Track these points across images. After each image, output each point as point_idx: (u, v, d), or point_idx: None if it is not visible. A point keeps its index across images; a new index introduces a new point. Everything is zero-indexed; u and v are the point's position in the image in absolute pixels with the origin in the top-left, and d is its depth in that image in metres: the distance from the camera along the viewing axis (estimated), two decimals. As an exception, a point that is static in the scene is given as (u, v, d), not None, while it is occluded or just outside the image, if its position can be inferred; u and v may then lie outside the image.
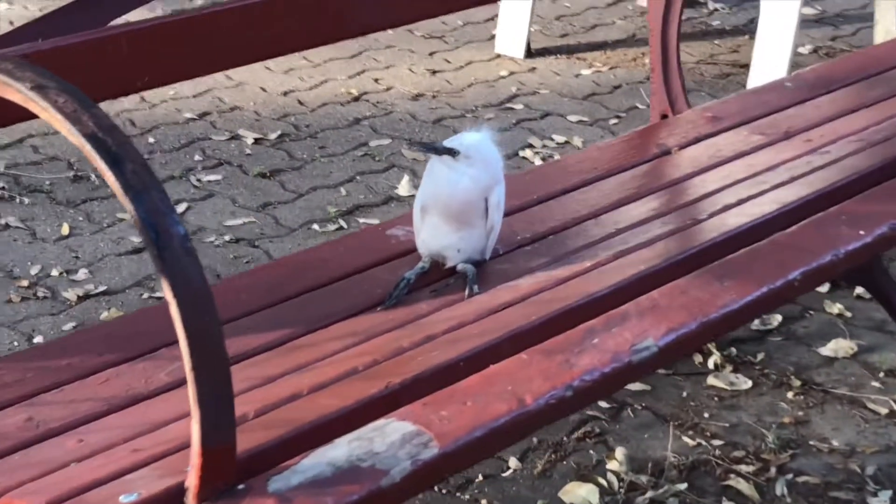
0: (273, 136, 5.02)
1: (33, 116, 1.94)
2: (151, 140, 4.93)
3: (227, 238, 4.22)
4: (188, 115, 5.17)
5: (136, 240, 4.18)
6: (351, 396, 2.12)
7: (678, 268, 2.54)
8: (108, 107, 5.10)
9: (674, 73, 3.47)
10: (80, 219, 4.31)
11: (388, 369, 2.21)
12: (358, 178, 4.71)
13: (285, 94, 5.45)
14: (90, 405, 2.17)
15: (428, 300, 2.51)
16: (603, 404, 3.48)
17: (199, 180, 4.61)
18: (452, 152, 2.52)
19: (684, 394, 3.55)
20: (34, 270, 3.97)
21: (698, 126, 3.36)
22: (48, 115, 1.84)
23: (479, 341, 2.29)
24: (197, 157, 4.79)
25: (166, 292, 1.74)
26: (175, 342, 2.23)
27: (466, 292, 2.52)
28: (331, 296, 2.53)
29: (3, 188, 4.46)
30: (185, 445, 1.87)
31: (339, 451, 1.94)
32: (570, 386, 2.13)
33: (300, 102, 5.36)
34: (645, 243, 2.68)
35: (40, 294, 3.85)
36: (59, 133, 4.89)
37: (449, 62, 5.89)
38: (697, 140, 3.28)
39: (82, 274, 3.97)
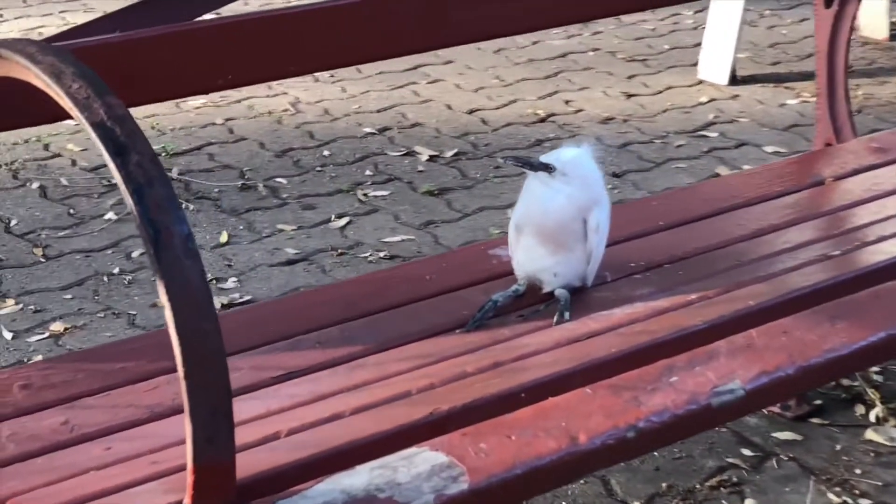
0: (449, 154, 4.90)
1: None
2: (326, 153, 4.87)
3: (382, 254, 4.12)
4: (368, 130, 5.10)
5: (291, 251, 4.11)
6: (391, 421, 1.97)
7: (790, 305, 2.30)
8: (291, 119, 5.10)
9: (840, 101, 3.22)
10: (241, 227, 4.27)
11: (440, 395, 2.05)
12: (528, 200, 4.53)
13: (470, 112, 5.33)
14: (131, 412, 2.08)
15: (513, 325, 2.34)
16: (746, 451, 3.24)
17: (365, 195, 4.53)
18: (548, 168, 2.35)
19: (838, 447, 3.28)
20: (184, 276, 3.92)
21: (860, 157, 3.10)
22: (62, 100, 1.75)
23: (546, 371, 2.11)
24: (368, 172, 4.71)
25: (161, 294, 1.62)
26: (237, 352, 2.16)
27: (555, 319, 2.35)
28: (413, 315, 2.39)
29: (170, 193, 4.44)
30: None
31: (359, 478, 1.80)
32: (633, 427, 1.94)
33: (483, 121, 5.24)
34: (762, 278, 2.45)
35: (185, 300, 3.79)
36: (238, 142, 4.93)
37: (647, 86, 5.68)
38: (856, 172, 3.02)
39: (231, 283, 3.92)
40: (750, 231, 2.72)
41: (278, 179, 4.61)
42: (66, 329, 3.63)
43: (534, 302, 2.44)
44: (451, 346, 2.26)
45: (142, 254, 4.07)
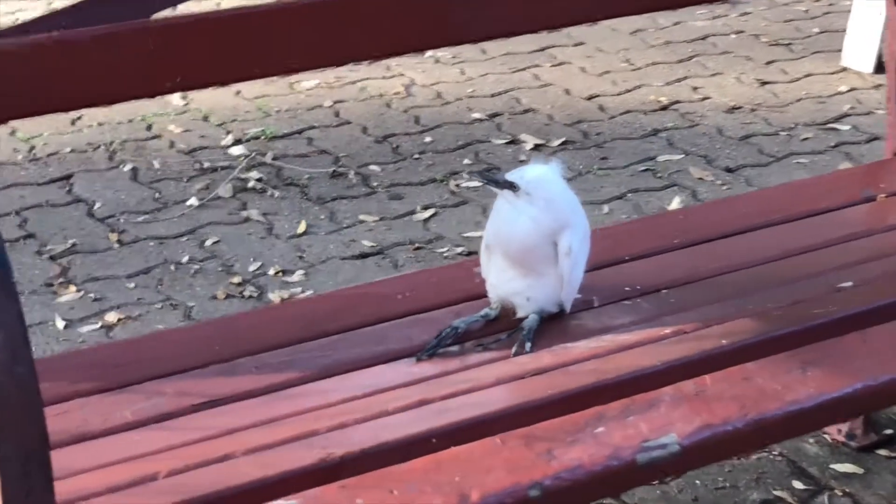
0: (556, 143, 4.72)
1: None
2: (428, 139, 4.73)
3: (458, 250, 3.97)
4: (476, 116, 4.94)
5: (368, 244, 4.00)
6: (280, 465, 1.83)
7: (766, 346, 2.08)
8: (400, 102, 4.95)
9: (913, 106, 2.93)
10: (322, 217, 4.17)
11: (344, 437, 1.90)
12: (629, 195, 4.34)
13: (589, 98, 5.13)
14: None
15: (469, 356, 2.18)
16: (798, 484, 3.00)
17: (457, 186, 4.38)
18: (513, 187, 2.17)
19: (901, 482, 3.02)
20: (253, 267, 3.86)
21: (927, 170, 2.83)
22: None
23: (468, 413, 1.95)
24: (467, 161, 4.56)
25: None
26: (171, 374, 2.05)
27: (514, 350, 2.18)
28: (371, 338, 2.25)
29: (259, 180, 4.38)
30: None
31: (208, 532, 1.66)
32: (537, 484, 1.77)
33: (601, 108, 5.03)
34: (756, 311, 2.23)
35: (247, 293, 3.72)
36: (340, 126, 4.82)
37: (785, 73, 5.38)
38: (915, 188, 2.75)
39: (297, 276, 3.83)
40: (772, 254, 2.49)
41: (372, 167, 4.49)
42: (119, 320, 3.59)
43: (508, 327, 2.27)
44: (392, 378, 2.11)
45: (215, 242, 4.01)
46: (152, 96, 2.22)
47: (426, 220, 4.15)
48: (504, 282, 2.28)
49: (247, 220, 4.15)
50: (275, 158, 4.56)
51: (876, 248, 2.46)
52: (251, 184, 4.36)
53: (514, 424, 1.90)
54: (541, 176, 2.19)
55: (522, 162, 4.56)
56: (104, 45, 2.11)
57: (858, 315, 2.17)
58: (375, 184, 4.40)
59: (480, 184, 2.30)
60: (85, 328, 3.56)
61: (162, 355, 2.18)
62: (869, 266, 2.38)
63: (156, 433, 1.97)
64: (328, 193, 4.35)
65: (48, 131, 4.77)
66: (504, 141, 4.73)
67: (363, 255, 3.96)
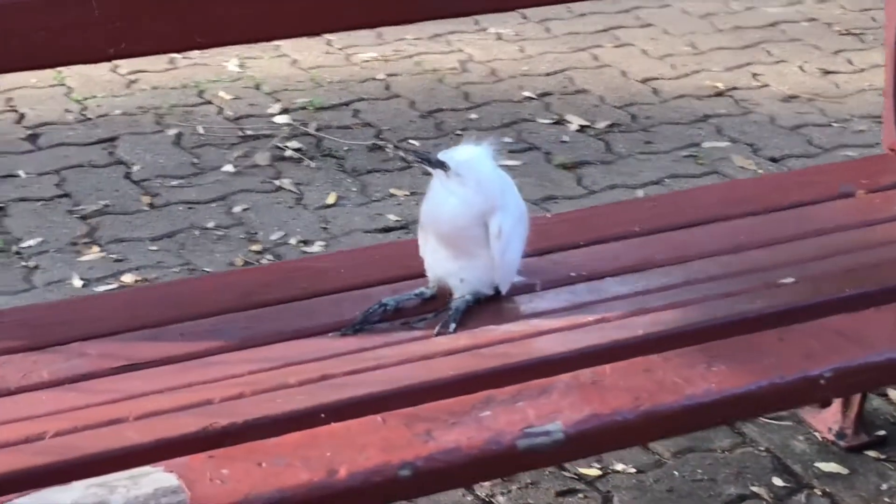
0: (602, 124, 4.69)
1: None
2: (473, 116, 4.73)
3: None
4: (527, 94, 4.93)
5: (393, 217, 4.02)
6: (161, 432, 1.86)
7: (679, 339, 2.07)
8: (453, 78, 4.95)
9: (910, 102, 2.87)
10: (354, 189, 4.20)
11: (237, 407, 1.93)
12: (667, 180, 4.30)
13: (644, 81, 5.08)
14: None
15: (392, 333, 2.20)
16: (778, 481, 2.97)
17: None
18: (444, 166, 2.17)
19: (885, 486, 2.96)
20: (275, 236, 3.90)
21: (913, 167, 2.77)
22: None
23: (364, 390, 1.96)
24: (507, 139, 4.55)
25: None
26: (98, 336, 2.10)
27: (436, 330, 2.19)
28: (302, 312, 2.27)
29: (298, 149, 4.42)
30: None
31: (69, 494, 1.71)
32: (409, 464, 1.78)
33: (654, 92, 4.98)
34: (686, 302, 2.21)
35: (264, 261, 3.77)
36: (389, 99, 4.84)
37: (851, 63, 5.28)
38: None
39: (317, 246, 3.86)
40: (726, 246, 2.46)
41: (412, 141, 4.51)
42: (136, 281, 3.65)
43: (443, 307, 2.27)
44: (307, 352, 2.14)
45: (244, 209, 4.05)
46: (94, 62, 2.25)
47: (456, 198, 4.14)
48: (438, 262, 2.29)
49: (279, 189, 4.19)
50: (317, 129, 4.59)
51: (834, 246, 2.42)
52: (289, 153, 4.40)
53: (405, 404, 1.91)
54: (471, 157, 2.19)
55: (564, 143, 4.54)
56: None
57: (785, 312, 2.14)
58: (412, 159, 4.41)
59: (416, 161, 2.28)
60: (101, 288, 3.63)
61: (93, 317, 2.23)
62: (820, 263, 2.34)
63: (64, 394, 2.01)
64: (363, 166, 4.37)
65: (102, 93, 4.86)
66: (550, 121, 4.72)
67: (387, 229, 3.98)
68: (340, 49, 5.29)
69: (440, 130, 4.62)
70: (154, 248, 3.84)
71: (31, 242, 3.84)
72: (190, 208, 4.06)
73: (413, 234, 3.87)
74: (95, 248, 3.81)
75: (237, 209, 4.05)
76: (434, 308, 2.26)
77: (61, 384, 2.05)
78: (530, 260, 2.41)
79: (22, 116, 4.66)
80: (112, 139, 4.51)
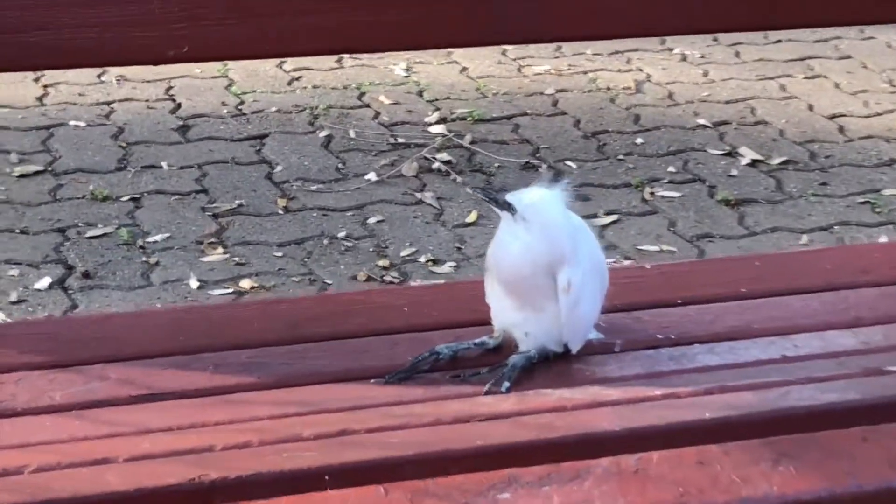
0: (776, 160, 4.39)
1: None
2: (639, 141, 4.49)
3: (626, 263, 3.72)
4: (701, 122, 4.65)
5: (533, 243, 3.79)
6: (144, 480, 1.69)
7: (754, 427, 1.81)
8: (626, 98, 4.67)
9: None
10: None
11: (236, 459, 1.74)
12: (836, 227, 3.99)
13: (831, 117, 4.75)
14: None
15: (439, 387, 1.98)
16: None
17: (652, 194, 4.12)
18: (511, 208, 1.96)
19: None
20: (405, 252, 3.73)
21: None
22: None
23: (379, 453, 1.76)
24: (671, 169, 4.29)
25: None
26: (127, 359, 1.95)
27: (486, 387, 1.97)
28: (350, 351, 2.07)
29: (447, 162, 4.24)
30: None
31: (17, 542, 1.54)
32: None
33: (841, 130, 4.66)
34: (768, 384, 1.95)
35: (388, 278, 3.60)
36: (553, 116, 4.61)
37: None
38: None
39: (447, 266, 3.68)
40: (839, 320, 2.18)
41: (568, 163, 4.28)
42: (252, 288, 3.52)
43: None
44: (340, 399, 1.94)
45: (379, 221, 3.89)
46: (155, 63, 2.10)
47: (605, 227, 3.92)
48: (503, 311, 2.07)
49: (419, 202, 4.01)
50: (472, 142, 4.40)
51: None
52: (437, 165, 4.22)
53: (419, 474, 1.70)
54: (540, 200, 1.97)
55: (732, 177, 4.26)
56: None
57: (879, 406, 1.85)
58: (566, 181, 4.17)
59: (483, 200, 2.06)
60: (216, 291, 3.51)
61: (125, 337, 2.07)
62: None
63: (68, 421, 1.86)
64: (513, 185, 4.12)
65: (262, 88, 4.76)
66: (720, 152, 4.44)
67: (524, 255, 3.75)
68: (514, 60, 5.09)
69: (601, 153, 4.38)
70: (279, 254, 3.70)
71: (158, 238, 3.74)
72: (324, 215, 3.91)
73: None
74: (220, 249, 3.69)
75: (372, 220, 3.88)
76: (495, 361, 2.03)
77: (70, 409, 1.89)
78: (615, 316, 2.18)
79: (178, 106, 4.59)
80: (262, 137, 4.39)
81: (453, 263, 3.68)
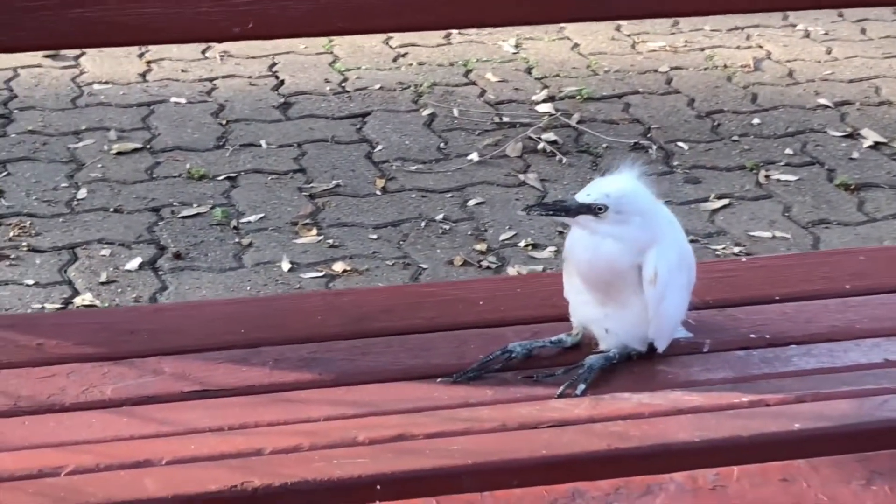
0: (900, 142, 4.17)
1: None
2: (756, 121, 4.30)
3: (737, 250, 3.57)
4: (822, 102, 4.45)
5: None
6: (184, 486, 1.59)
7: (849, 440, 1.65)
8: (744, 77, 4.45)
9: None
10: (603, 191, 3.83)
11: (284, 464, 1.63)
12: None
13: (963, 98, 4.51)
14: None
15: (510, 388, 1.85)
16: None
17: (767, 177, 3.94)
18: (594, 210, 1.81)
19: None
20: (504, 236, 3.60)
21: None
22: None
23: (436, 462, 1.64)
24: (788, 151, 4.11)
25: None
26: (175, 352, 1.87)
27: (560, 390, 1.84)
28: (419, 347, 1.96)
29: (553, 142, 4.09)
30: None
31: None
32: (449, 568, 1.44)
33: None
34: (866, 392, 1.79)
35: (485, 263, 3.48)
36: (667, 94, 4.43)
37: None
38: None
39: (547, 252, 3.55)
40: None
41: (680, 143, 4.11)
42: (344, 271, 3.42)
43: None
44: (402, 399, 1.83)
45: (478, 203, 3.77)
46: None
47: (715, 211, 3.75)
48: (582, 306, 1.93)
49: (522, 184, 3.88)
50: (580, 121, 4.25)
51: None
52: (542, 145, 4.07)
53: (477, 486, 1.57)
54: (628, 188, 1.82)
55: (853, 160, 4.06)
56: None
57: None
58: (676, 163, 4.02)
59: (545, 216, 1.91)
60: (308, 274, 3.41)
61: (183, 328, 1.98)
62: None
63: (116, 418, 1.77)
64: (614, 165, 3.98)
65: (367, 65, 4.65)
66: (841, 134, 4.23)
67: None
68: (628, 36, 4.92)
69: (715, 134, 4.20)
70: (374, 236, 3.59)
71: (252, 218, 3.66)
72: (423, 196, 3.79)
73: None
74: (314, 231, 3.60)
75: (472, 202, 3.76)
76: (573, 360, 1.90)
77: (119, 405, 1.80)
78: (706, 313, 2.03)
79: (281, 83, 4.50)
80: (363, 115, 4.29)
81: (553, 248, 3.53)
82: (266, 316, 2.02)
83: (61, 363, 1.90)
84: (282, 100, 4.37)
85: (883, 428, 1.69)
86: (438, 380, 1.87)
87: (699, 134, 4.19)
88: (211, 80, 4.50)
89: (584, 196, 1.82)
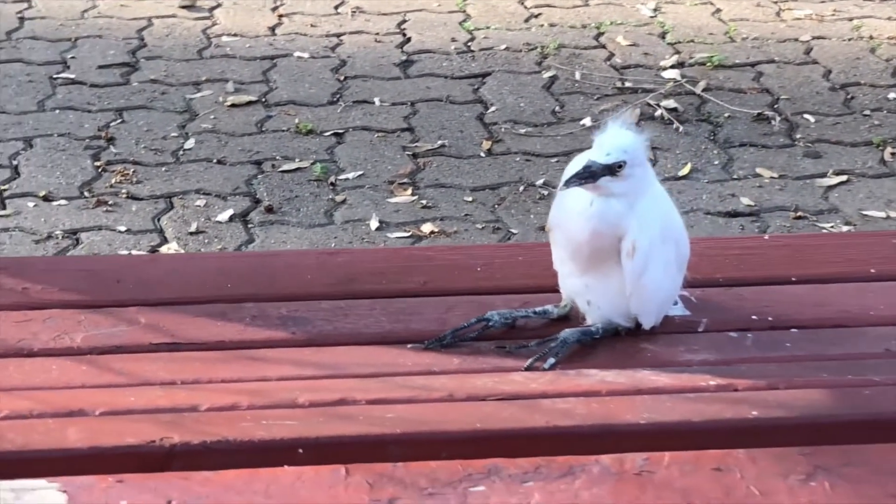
0: None
1: None
2: (892, 96, 4.09)
3: (845, 229, 3.41)
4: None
5: (745, 201, 3.54)
6: (102, 438, 1.58)
7: (803, 432, 1.55)
8: (890, 49, 4.21)
9: None
10: (716, 163, 3.75)
11: (211, 423, 1.61)
12: None
13: None
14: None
15: (478, 357, 1.79)
16: None
17: (893, 154, 3.76)
18: (614, 169, 1.73)
19: None
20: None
21: None
22: None
23: (366, 429, 1.59)
24: (916, 131, 3.90)
25: None
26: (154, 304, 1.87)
27: (528, 362, 1.77)
28: (400, 311, 1.91)
29: (673, 110, 3.97)
30: None
31: (-60, 496, 1.45)
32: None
33: None
34: (843, 383, 1.68)
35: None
36: (802, 65, 4.25)
37: None
38: None
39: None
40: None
41: (806, 116, 3.95)
42: (431, 233, 3.38)
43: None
44: (364, 363, 1.80)
45: (584, 169, 3.66)
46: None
47: (831, 188, 3.60)
48: (565, 277, 1.85)
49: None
50: (705, 89, 4.11)
51: None
52: (660, 112, 3.95)
53: (405, 455, 1.53)
54: (635, 138, 1.74)
55: None
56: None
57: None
58: (799, 136, 3.86)
59: (580, 185, 1.80)
60: (394, 234, 3.38)
61: (171, 281, 1.96)
62: None
63: (73, 367, 1.77)
64: (738, 137, 3.86)
65: (496, 25, 4.58)
66: (981, 109, 4.00)
67: (733, 214, 3.50)
68: (774, 2, 4.74)
69: (846, 107, 4.03)
70: (469, 198, 3.54)
71: (351, 175, 3.64)
72: (527, 160, 3.72)
73: (759, 224, 3.38)
74: (409, 191, 3.56)
75: (575, 167, 3.65)
76: (557, 333, 1.82)
77: (84, 354, 1.80)
78: (713, 291, 1.94)
79: (407, 41, 4.46)
80: (483, 75, 4.23)
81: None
82: (256, 272, 1.99)
83: (41, 308, 1.90)
84: (404, 57, 4.33)
85: (844, 422, 1.58)
86: (409, 346, 1.81)
87: (829, 107, 4.01)
88: (338, 35, 4.49)
89: (604, 157, 1.73)
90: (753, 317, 1.87)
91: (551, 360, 1.76)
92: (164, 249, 3.30)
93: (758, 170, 3.69)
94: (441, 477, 1.46)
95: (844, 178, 3.65)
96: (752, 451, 1.48)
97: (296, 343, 1.83)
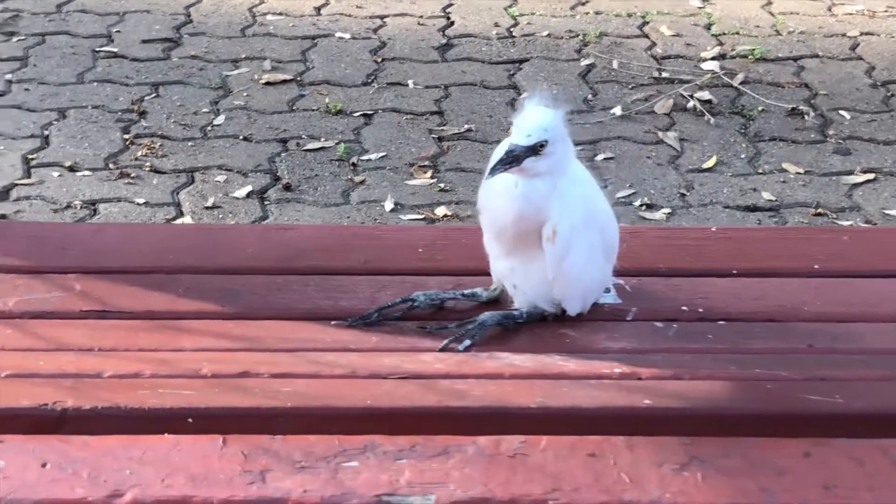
0: None
1: None
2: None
3: (865, 225, 3.36)
4: None
5: (767, 196, 3.50)
6: (5, 398, 1.62)
7: (695, 424, 1.54)
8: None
9: None
10: (742, 156, 3.71)
11: (107, 389, 1.63)
12: None
13: None
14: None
15: (396, 336, 1.80)
16: None
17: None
18: (536, 149, 1.73)
19: None
20: (621, 193, 3.51)
21: None
22: None
23: (258, 401, 1.61)
24: (956, 129, 3.83)
25: None
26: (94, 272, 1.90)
27: (443, 343, 1.78)
28: (333, 288, 1.93)
29: (707, 101, 3.93)
30: None
31: None
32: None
33: None
34: (748, 377, 1.66)
35: (592, 219, 3.36)
36: (847, 60, 4.18)
37: None
38: None
39: (660, 213, 3.44)
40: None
41: (842, 112, 3.89)
42: (444, 216, 3.38)
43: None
44: (281, 338, 1.81)
45: (606, 158, 3.67)
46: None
47: (856, 185, 3.54)
48: (493, 259, 1.85)
49: (658, 142, 3.74)
50: (743, 82, 4.06)
51: None
52: (692, 104, 3.91)
53: (294, 429, 1.53)
54: (553, 115, 1.73)
55: None
56: None
57: (868, 416, 1.53)
58: (832, 132, 3.80)
59: (505, 171, 1.79)
60: (408, 216, 3.38)
61: (115, 250, 1.99)
62: None
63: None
64: (769, 131, 3.82)
65: (542, 11, 4.56)
66: None
67: (752, 208, 3.46)
68: (824, -1, 4.67)
69: (885, 105, 3.96)
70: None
71: (373, 156, 3.65)
72: (553, 148, 3.69)
73: (778, 219, 3.35)
74: (429, 174, 3.56)
75: (600, 157, 3.66)
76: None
77: (15, 318, 1.83)
78: (649, 281, 1.93)
79: (450, 24, 4.47)
80: (521, 61, 4.22)
81: (668, 210, 3.41)
82: (200, 244, 2.01)
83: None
84: (444, 41, 4.33)
85: (735, 414, 1.56)
86: (333, 322, 1.82)
87: (867, 104, 3.95)
88: (382, 17, 4.50)
89: (525, 139, 1.72)
90: (684, 308, 1.86)
91: (467, 342, 1.76)
92: (177, 223, 3.34)
93: (784, 165, 3.64)
94: (316, 451, 1.47)
95: (871, 176, 3.59)
96: (632, 439, 1.47)
97: (223, 316, 1.84)
